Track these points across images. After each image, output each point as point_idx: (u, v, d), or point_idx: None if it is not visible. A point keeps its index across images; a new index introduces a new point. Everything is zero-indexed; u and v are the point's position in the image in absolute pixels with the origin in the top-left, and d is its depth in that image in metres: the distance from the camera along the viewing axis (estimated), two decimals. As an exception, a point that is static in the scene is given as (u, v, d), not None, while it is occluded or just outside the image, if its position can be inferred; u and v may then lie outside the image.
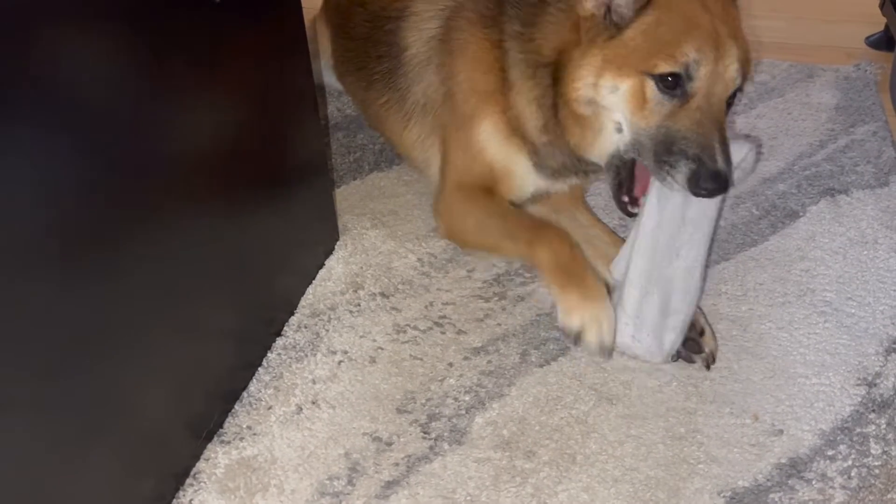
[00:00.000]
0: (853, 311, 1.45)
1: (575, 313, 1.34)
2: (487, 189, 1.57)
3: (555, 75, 1.39)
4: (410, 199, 1.77)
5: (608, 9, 1.30)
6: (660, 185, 1.29)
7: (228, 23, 1.21)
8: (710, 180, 1.21)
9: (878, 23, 2.34)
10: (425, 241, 1.65)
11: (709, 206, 1.28)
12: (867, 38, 2.34)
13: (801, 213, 1.69)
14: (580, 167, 1.51)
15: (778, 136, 1.94)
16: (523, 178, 1.56)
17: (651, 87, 1.26)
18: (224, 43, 1.22)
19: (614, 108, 1.31)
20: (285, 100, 1.43)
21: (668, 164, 1.25)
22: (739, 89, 1.30)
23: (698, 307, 1.38)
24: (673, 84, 1.25)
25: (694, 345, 1.36)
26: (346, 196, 1.78)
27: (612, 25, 1.29)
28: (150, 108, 1.06)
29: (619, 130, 1.34)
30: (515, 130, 1.52)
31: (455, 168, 1.58)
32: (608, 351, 1.34)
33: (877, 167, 1.81)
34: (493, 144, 1.53)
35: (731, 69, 1.25)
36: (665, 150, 1.26)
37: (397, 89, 1.71)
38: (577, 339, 1.35)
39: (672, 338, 1.33)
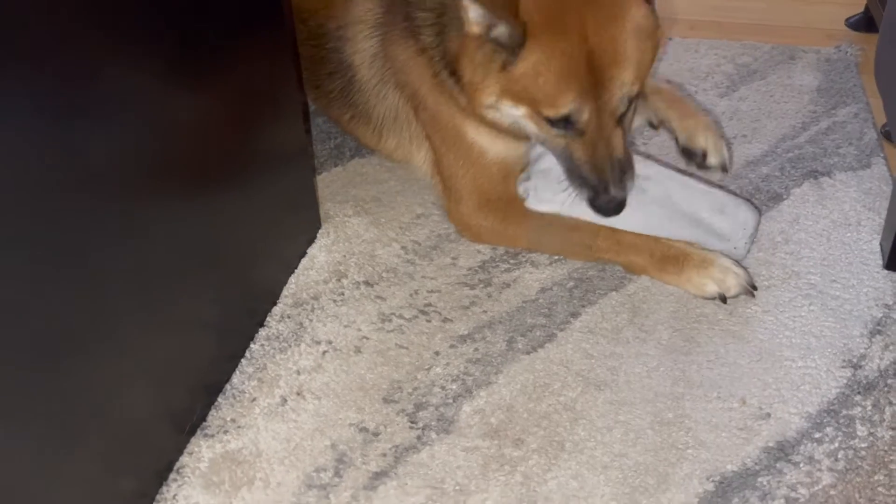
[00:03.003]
0: (837, 293, 1.45)
1: (706, 283, 1.42)
2: (507, 188, 1.55)
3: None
4: (393, 186, 1.75)
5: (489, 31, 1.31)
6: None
7: (208, 9, 1.18)
8: (605, 206, 1.40)
9: (857, 4, 2.34)
10: (409, 228, 1.63)
11: None
12: (847, 19, 2.35)
13: (784, 196, 1.68)
14: None
15: (760, 118, 1.94)
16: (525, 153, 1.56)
17: (544, 122, 1.36)
18: (203, 29, 1.19)
19: (520, 122, 1.40)
20: (265, 85, 1.40)
21: (577, 185, 1.41)
22: (635, 97, 1.38)
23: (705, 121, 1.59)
24: (563, 123, 1.35)
25: (701, 164, 1.57)
26: (328, 183, 1.76)
27: (499, 49, 1.31)
28: (124, 94, 1.03)
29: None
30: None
31: (467, 181, 1.56)
32: (753, 285, 1.43)
33: (858, 149, 1.82)
34: (489, 143, 1.53)
35: (615, 98, 1.33)
36: (570, 172, 1.41)
37: (357, 105, 1.70)
38: (723, 299, 1.42)
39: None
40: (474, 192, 1.56)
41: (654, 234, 1.47)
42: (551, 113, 1.33)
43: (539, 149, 1.48)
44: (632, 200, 1.42)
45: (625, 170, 1.39)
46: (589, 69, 1.29)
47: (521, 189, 1.51)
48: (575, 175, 1.40)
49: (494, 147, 1.53)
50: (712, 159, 1.57)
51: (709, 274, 1.42)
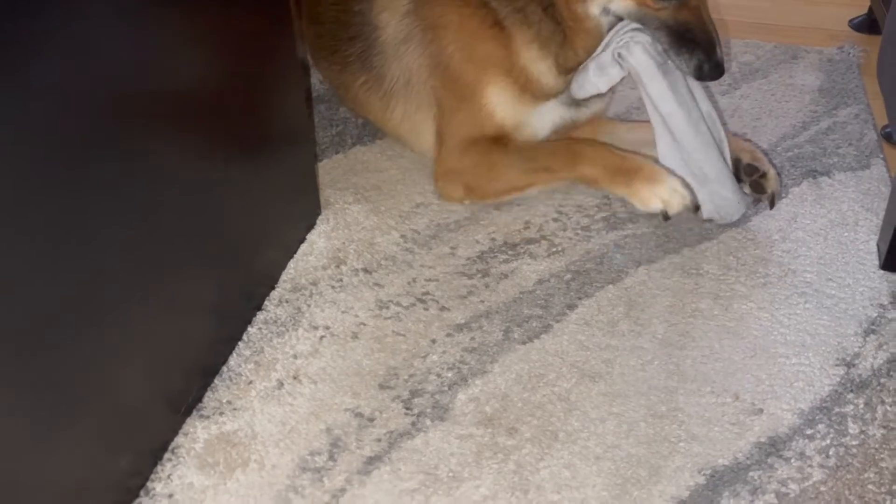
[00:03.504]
0: (833, 292, 1.46)
1: (651, 198, 1.49)
2: (494, 137, 1.62)
3: (544, 4, 1.52)
4: (394, 175, 1.75)
5: None
6: (658, 70, 1.46)
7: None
8: (714, 68, 1.47)
9: (861, 5, 2.35)
10: (409, 217, 1.63)
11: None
12: (851, 20, 2.35)
13: (783, 195, 1.69)
14: None
15: (761, 117, 1.95)
16: (543, 122, 1.63)
17: None
18: (210, 10, 1.18)
19: (617, 7, 1.48)
20: (270, 70, 1.40)
21: (685, 52, 1.47)
22: None
23: (757, 148, 1.64)
24: None
25: (757, 186, 1.58)
26: (329, 170, 1.76)
27: None
28: (131, 76, 1.03)
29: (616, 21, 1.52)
30: (525, 86, 1.57)
31: (459, 133, 1.61)
32: (696, 205, 1.50)
33: (858, 150, 1.82)
34: (502, 107, 1.59)
35: None
36: (678, 41, 1.46)
37: (373, 68, 1.70)
38: (666, 216, 1.50)
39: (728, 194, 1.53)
40: (462, 140, 1.61)
41: (697, 153, 1.50)
42: None
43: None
44: (689, 111, 1.49)
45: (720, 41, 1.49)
46: None
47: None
48: (684, 42, 1.45)
49: (504, 111, 1.59)
50: (769, 185, 1.60)
51: (655, 189, 1.49)
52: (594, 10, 1.50)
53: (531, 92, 1.59)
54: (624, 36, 1.48)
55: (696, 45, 1.45)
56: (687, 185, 1.50)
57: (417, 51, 1.64)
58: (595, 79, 1.52)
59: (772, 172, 1.60)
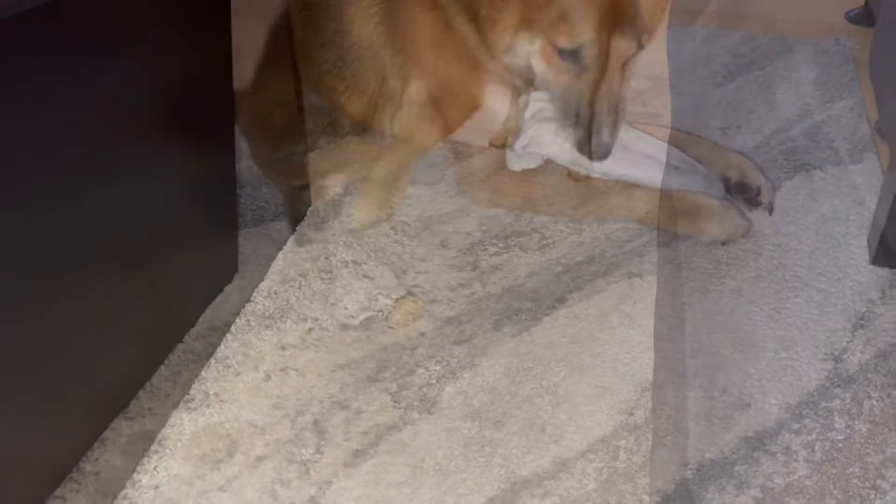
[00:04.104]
0: (823, 286, 1.46)
1: (720, 233, 1.50)
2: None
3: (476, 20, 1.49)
4: (386, 165, 1.74)
5: None
6: None
7: None
8: (596, 150, 1.43)
9: (858, -3, 2.33)
10: (399, 208, 1.63)
11: None
12: (847, 13, 2.33)
13: (776, 188, 1.68)
14: None
15: (756, 109, 1.94)
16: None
17: (554, 55, 1.41)
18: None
19: (532, 63, 1.46)
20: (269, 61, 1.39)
21: (569, 125, 1.44)
22: (642, 45, 1.44)
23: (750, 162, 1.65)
24: (572, 55, 1.39)
25: (753, 201, 1.58)
26: (321, 160, 1.75)
27: None
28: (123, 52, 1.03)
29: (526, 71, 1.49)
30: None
31: (480, 146, 1.61)
32: (744, 220, 1.52)
33: (852, 144, 1.82)
34: (507, 107, 1.58)
35: (628, 38, 1.38)
36: (565, 111, 1.44)
37: (352, 77, 1.68)
38: (727, 241, 1.51)
39: None
40: (486, 155, 1.61)
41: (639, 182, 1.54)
42: (566, 43, 1.35)
43: (531, 108, 1.52)
44: (630, 164, 1.52)
45: (617, 118, 1.42)
46: (610, 7, 1.34)
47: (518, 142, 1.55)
48: (570, 114, 1.42)
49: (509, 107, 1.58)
50: (765, 197, 1.59)
51: (718, 224, 1.50)
52: (511, 60, 1.48)
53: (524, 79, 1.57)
54: (536, 125, 1.48)
55: (579, 122, 1.42)
56: (743, 214, 1.53)
57: (399, 61, 1.62)
58: (516, 160, 1.55)
59: (765, 185, 1.60)
